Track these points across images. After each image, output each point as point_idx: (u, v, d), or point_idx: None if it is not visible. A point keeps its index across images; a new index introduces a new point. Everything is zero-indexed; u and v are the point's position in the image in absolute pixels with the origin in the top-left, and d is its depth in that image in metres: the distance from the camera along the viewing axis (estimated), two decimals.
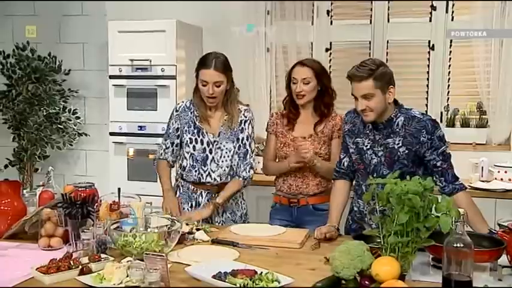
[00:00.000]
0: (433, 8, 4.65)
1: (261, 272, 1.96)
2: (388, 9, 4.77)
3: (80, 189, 2.79)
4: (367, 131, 2.71)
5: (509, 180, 4.21)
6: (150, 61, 4.66)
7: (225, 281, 1.90)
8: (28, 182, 5.06)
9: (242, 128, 3.07)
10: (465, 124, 4.58)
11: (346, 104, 2.92)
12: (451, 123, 4.60)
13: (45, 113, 5.13)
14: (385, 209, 2.04)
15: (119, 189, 2.81)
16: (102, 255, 2.21)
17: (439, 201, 1.95)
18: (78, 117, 5.29)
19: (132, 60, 4.69)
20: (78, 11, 5.41)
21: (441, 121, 4.62)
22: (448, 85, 4.70)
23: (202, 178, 3.05)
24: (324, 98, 3.15)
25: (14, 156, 5.15)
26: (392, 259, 1.91)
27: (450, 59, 4.67)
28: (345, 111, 3.63)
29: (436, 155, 2.61)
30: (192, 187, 3.09)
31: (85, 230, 2.28)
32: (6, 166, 5.11)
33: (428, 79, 4.71)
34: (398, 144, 2.62)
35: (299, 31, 4.88)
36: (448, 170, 2.63)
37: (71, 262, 2.10)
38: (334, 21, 4.93)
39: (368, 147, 2.70)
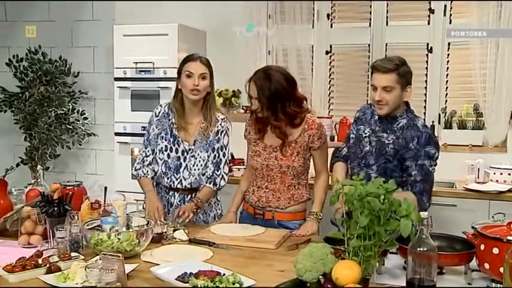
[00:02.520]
0: (431, 11, 4.65)
1: (223, 274, 1.93)
2: (387, 13, 4.79)
3: (67, 187, 2.88)
4: (371, 121, 2.83)
5: (505, 181, 4.18)
6: (153, 64, 4.77)
7: (187, 282, 1.88)
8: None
9: (218, 137, 3.05)
10: (462, 126, 4.56)
11: (350, 106, 2.95)
12: (448, 125, 4.58)
13: (54, 114, 5.29)
14: (350, 212, 1.98)
15: (105, 188, 2.87)
16: (73, 254, 2.20)
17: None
18: (85, 118, 5.44)
19: (136, 63, 4.81)
20: (89, 17, 5.58)
21: (439, 123, 4.65)
22: (446, 87, 4.68)
23: (173, 185, 3.05)
24: (278, 118, 2.84)
25: (25, 155, 5.31)
26: (353, 263, 1.86)
27: (448, 61, 4.65)
28: (346, 112, 3.56)
29: (414, 165, 2.66)
30: (165, 188, 3.10)
31: (60, 229, 2.27)
32: (18, 164, 5.27)
33: (426, 81, 4.70)
34: (389, 141, 2.72)
35: (300, 34, 4.93)
36: (419, 183, 2.65)
37: (39, 260, 2.09)
38: (334, 24, 4.97)
39: (367, 135, 2.81)
